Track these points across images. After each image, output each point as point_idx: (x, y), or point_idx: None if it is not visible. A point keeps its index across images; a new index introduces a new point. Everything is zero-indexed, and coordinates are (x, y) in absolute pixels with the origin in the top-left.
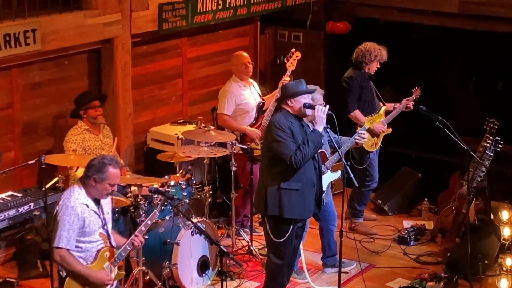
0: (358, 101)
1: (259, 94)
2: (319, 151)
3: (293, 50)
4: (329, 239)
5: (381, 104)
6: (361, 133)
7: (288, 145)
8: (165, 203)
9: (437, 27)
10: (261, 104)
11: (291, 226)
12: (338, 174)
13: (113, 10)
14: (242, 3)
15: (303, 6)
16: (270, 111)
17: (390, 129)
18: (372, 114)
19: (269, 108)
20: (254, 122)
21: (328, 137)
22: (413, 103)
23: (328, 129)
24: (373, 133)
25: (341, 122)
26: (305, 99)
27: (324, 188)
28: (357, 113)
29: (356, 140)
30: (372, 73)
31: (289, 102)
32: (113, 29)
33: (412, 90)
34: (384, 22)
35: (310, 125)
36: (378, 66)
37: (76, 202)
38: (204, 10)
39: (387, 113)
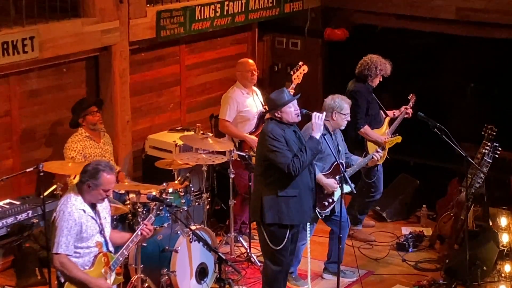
0: (366, 115)
1: (262, 103)
2: (335, 163)
3: (300, 63)
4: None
5: (383, 114)
6: (379, 151)
7: (284, 154)
8: (162, 207)
9: (435, 33)
10: (262, 113)
11: (288, 233)
12: (348, 188)
13: (111, 18)
14: (240, 10)
15: (301, 13)
16: None
17: (400, 137)
18: (392, 136)
19: None
20: (254, 130)
21: (328, 145)
22: (411, 110)
23: (326, 136)
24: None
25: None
26: (290, 107)
27: (335, 198)
28: (367, 129)
29: (374, 157)
30: (374, 86)
31: (276, 114)
32: (111, 36)
33: (408, 97)
34: (382, 29)
35: (338, 131)
36: (381, 80)
37: (73, 208)
38: (202, 17)
39: (390, 122)
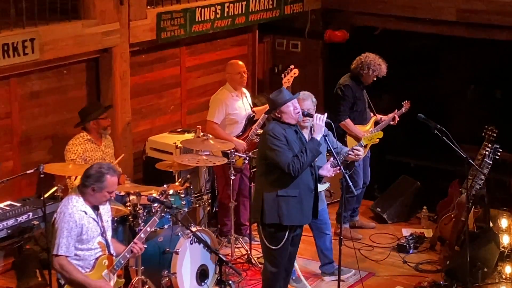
0: (350, 111)
1: (250, 106)
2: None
3: (291, 66)
4: (323, 246)
5: (371, 114)
6: (356, 149)
7: (285, 153)
8: (165, 209)
9: (435, 35)
10: (251, 116)
11: (287, 234)
12: (326, 185)
13: (111, 20)
14: (240, 12)
15: (301, 15)
16: (259, 124)
17: (381, 132)
18: (372, 131)
19: (258, 121)
20: (241, 133)
21: (328, 146)
22: (398, 118)
23: (328, 138)
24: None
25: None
26: (289, 107)
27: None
28: (348, 122)
29: (350, 155)
30: (367, 84)
31: (276, 114)
32: (112, 38)
33: (402, 103)
34: (382, 31)
35: (306, 132)
36: (375, 79)
37: (74, 209)
38: (202, 19)
39: (376, 123)
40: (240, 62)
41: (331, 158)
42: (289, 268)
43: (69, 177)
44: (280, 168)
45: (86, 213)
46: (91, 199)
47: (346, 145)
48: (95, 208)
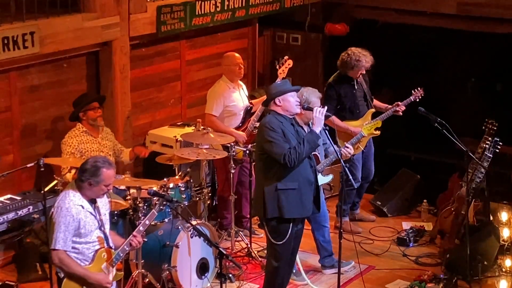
0: (341, 109)
1: (247, 97)
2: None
3: (286, 57)
4: (322, 239)
5: (366, 107)
6: (348, 147)
7: (281, 145)
8: (164, 203)
9: (436, 28)
10: (249, 107)
11: (290, 228)
12: (329, 177)
13: (111, 13)
14: (240, 5)
15: (301, 8)
16: (257, 115)
17: (379, 131)
18: (370, 122)
19: (256, 112)
20: (240, 125)
21: (327, 140)
22: (404, 108)
23: (326, 131)
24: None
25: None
26: (293, 97)
27: None
28: (334, 119)
29: (342, 152)
30: (355, 78)
31: (277, 102)
32: (112, 31)
33: (413, 91)
34: (383, 24)
35: (305, 127)
36: (363, 72)
37: (71, 203)
38: (203, 13)
39: (375, 115)
40: (237, 54)
41: (330, 156)
42: (291, 262)
43: (69, 170)
44: (276, 159)
45: (83, 207)
46: (88, 193)
47: (336, 142)
48: (92, 202)
